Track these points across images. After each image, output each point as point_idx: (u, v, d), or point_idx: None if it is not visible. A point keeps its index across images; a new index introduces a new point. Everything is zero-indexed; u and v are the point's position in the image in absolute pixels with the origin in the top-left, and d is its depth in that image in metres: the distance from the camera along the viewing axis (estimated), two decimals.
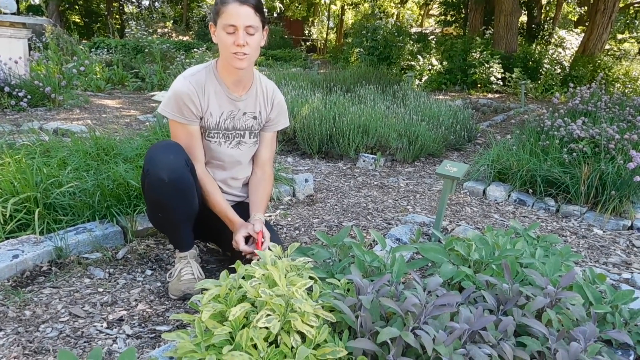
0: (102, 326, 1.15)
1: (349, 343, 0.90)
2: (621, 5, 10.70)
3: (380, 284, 1.03)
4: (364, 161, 3.08)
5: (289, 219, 2.03)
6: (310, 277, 1.04)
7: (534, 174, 2.48)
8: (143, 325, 1.17)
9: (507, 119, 5.26)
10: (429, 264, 1.42)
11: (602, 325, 1.14)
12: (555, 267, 1.26)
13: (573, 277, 1.10)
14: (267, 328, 0.85)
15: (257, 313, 0.87)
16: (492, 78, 7.75)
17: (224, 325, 0.87)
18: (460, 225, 2.05)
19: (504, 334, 0.98)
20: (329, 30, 21.84)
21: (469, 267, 1.31)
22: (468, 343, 0.93)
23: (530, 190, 2.50)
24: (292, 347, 0.86)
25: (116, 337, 1.12)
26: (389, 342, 0.89)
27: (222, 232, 1.44)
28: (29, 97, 3.90)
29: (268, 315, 0.86)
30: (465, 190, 2.63)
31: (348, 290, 1.09)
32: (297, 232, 1.90)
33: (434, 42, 9.85)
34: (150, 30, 10.61)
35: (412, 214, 2.18)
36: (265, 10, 1.28)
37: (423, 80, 8.03)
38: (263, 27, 1.27)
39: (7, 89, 3.84)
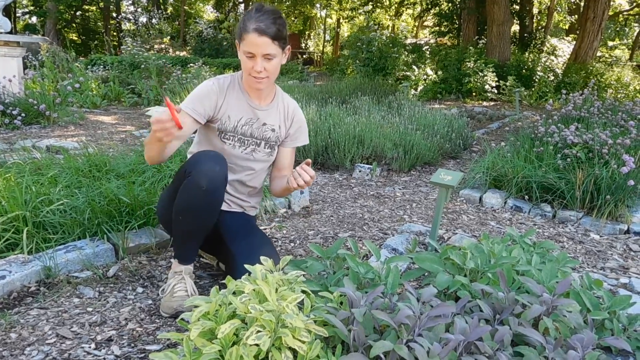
0: (90, 347, 1.12)
1: (341, 358, 0.87)
2: (610, 13, 10.90)
3: (373, 296, 1.01)
4: (360, 171, 3.08)
5: (285, 232, 2.01)
6: (303, 291, 1.02)
7: (530, 181, 2.47)
8: (132, 345, 1.15)
9: (502, 126, 5.28)
10: (425, 274, 1.40)
11: (600, 332, 1.12)
12: (552, 274, 1.24)
13: (569, 284, 1.08)
14: (257, 345, 0.83)
15: (247, 330, 0.85)
16: (487, 86, 7.82)
17: (213, 343, 0.85)
18: (456, 233, 2.03)
19: (500, 344, 0.96)
20: (325, 43, 22.11)
21: (465, 276, 1.29)
22: (464, 354, 0.91)
23: (526, 197, 2.50)
24: None
25: (104, 358, 1.09)
26: (382, 356, 0.87)
27: (220, 240, 1.43)
28: (23, 115, 3.91)
29: (258, 331, 0.84)
30: (462, 198, 2.62)
31: (341, 303, 1.07)
32: (292, 244, 1.89)
33: (428, 52, 9.95)
34: (147, 47, 10.71)
35: (408, 223, 2.17)
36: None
37: (418, 90, 8.09)
38: (283, 50, 1.33)
39: (0, 107, 3.84)
